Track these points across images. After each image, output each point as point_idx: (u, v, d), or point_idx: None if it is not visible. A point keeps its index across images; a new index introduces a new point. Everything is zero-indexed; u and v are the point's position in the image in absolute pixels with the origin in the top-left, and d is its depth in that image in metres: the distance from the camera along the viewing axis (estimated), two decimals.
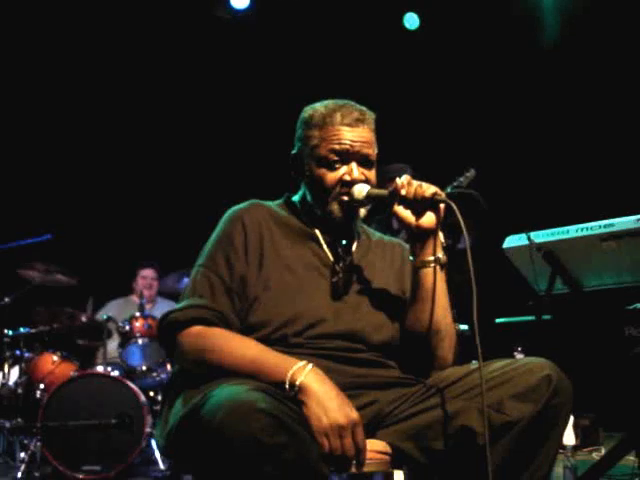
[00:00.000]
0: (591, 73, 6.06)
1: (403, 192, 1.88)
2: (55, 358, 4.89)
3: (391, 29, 6.64)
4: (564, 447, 4.27)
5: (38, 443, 4.42)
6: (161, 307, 5.90)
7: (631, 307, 3.12)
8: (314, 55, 6.54)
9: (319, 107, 2.03)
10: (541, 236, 2.80)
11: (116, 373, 4.74)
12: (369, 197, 1.96)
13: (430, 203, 1.88)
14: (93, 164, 6.59)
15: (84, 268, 5.47)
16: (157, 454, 4.60)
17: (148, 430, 4.52)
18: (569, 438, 4.40)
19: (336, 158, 1.96)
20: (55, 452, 4.40)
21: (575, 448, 4.61)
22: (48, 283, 5.17)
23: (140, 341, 5.10)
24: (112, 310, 5.66)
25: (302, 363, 1.66)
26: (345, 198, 1.96)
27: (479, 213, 2.23)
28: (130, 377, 4.91)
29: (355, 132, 1.97)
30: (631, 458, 3.40)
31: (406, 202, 1.89)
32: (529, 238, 2.75)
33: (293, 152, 2.08)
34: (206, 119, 6.78)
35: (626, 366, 2.74)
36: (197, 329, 1.81)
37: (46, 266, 5.07)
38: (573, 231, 2.74)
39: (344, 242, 2.04)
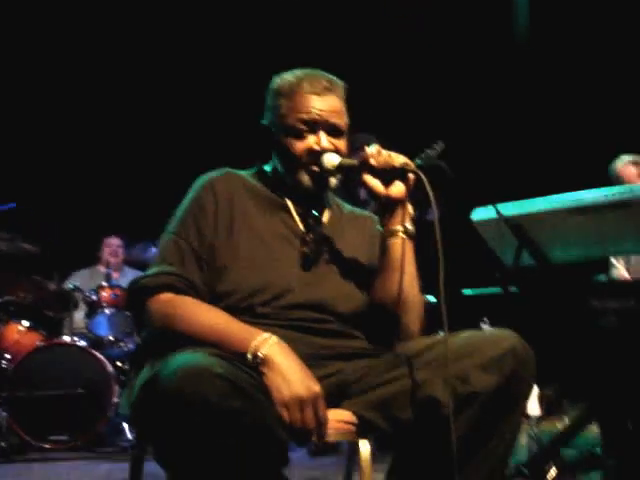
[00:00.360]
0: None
1: (372, 162, 1.87)
2: (21, 328, 4.84)
3: None
4: (528, 417, 4.33)
5: (4, 413, 4.39)
6: (128, 276, 5.84)
7: (596, 279, 3.16)
8: (284, 21, 6.48)
9: (287, 76, 2.00)
10: (509, 208, 2.80)
11: (83, 343, 4.71)
12: (340, 167, 1.94)
13: (399, 173, 1.87)
14: (57, 131, 6.50)
15: (49, 237, 5.41)
16: (124, 424, 4.59)
17: (115, 400, 4.53)
18: (533, 409, 4.46)
19: (304, 127, 1.94)
20: (21, 422, 4.39)
21: (539, 419, 4.68)
22: (13, 252, 5.11)
23: (107, 311, 5.08)
24: (78, 280, 5.62)
25: (266, 335, 1.64)
26: (315, 168, 1.94)
27: (447, 185, 2.23)
28: (97, 347, 4.89)
29: (324, 101, 1.95)
30: (594, 428, 3.47)
31: (375, 172, 1.88)
32: (497, 211, 2.76)
33: (263, 122, 2.04)
34: (174, 86, 6.69)
35: (590, 338, 2.78)
36: (166, 296, 1.79)
37: (10, 235, 5.00)
38: (541, 204, 2.75)
39: (315, 213, 2.03)
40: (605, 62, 5.87)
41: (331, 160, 1.94)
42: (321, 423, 1.59)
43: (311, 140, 1.95)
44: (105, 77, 6.55)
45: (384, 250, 1.95)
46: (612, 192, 2.62)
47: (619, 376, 3.00)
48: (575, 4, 6.01)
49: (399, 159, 1.87)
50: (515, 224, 2.79)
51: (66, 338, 4.80)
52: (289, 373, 1.58)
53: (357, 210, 2.20)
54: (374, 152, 1.89)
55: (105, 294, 5.12)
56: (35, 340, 4.77)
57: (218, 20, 6.52)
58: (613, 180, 3.87)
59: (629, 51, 5.74)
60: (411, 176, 1.89)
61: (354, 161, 1.94)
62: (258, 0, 6.50)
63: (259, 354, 1.60)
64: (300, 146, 1.95)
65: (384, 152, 1.89)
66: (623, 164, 3.87)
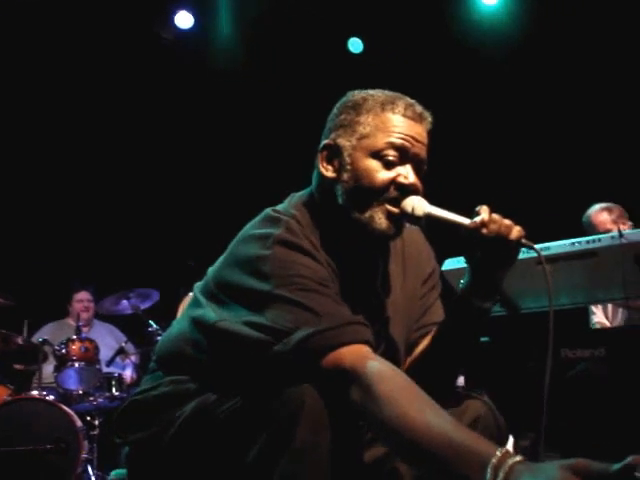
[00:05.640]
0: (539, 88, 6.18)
1: (484, 231, 1.57)
2: None
3: (336, 53, 6.69)
4: None
5: None
6: (98, 330, 5.82)
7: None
8: (258, 77, 6.54)
9: (372, 92, 1.70)
10: None
11: (52, 397, 4.62)
12: (430, 218, 1.63)
13: (510, 246, 1.60)
14: (28, 183, 6.43)
15: (19, 290, 5.34)
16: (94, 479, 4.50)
17: (84, 456, 4.42)
18: None
19: (394, 154, 1.62)
20: None
21: None
22: None
23: (76, 365, 5.00)
24: (47, 333, 5.52)
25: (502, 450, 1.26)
26: (395, 210, 1.63)
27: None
28: (66, 401, 4.79)
29: (417, 129, 1.65)
30: None
31: (482, 240, 1.59)
32: (467, 260, 2.77)
33: (325, 141, 1.71)
34: (148, 138, 6.70)
35: (562, 387, 2.78)
36: (378, 369, 1.41)
37: None
38: None
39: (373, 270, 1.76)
40: (576, 112, 5.98)
41: (421, 206, 1.62)
42: None
43: (397, 171, 1.64)
44: (75, 134, 6.52)
45: (463, 320, 1.73)
46: (579, 241, 2.65)
47: (592, 424, 3.00)
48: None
49: (514, 232, 1.59)
50: None
51: (35, 392, 4.70)
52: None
53: (407, 236, 1.85)
54: (487, 219, 1.58)
55: (75, 347, 5.04)
56: (2, 394, 4.65)
57: (193, 71, 6.58)
58: (586, 227, 3.91)
59: (608, 105, 5.85)
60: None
61: (456, 218, 1.63)
62: (236, 53, 6.56)
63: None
64: (385, 175, 1.62)
65: (495, 216, 1.58)
66: (596, 211, 3.91)
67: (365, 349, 1.45)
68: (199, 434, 1.54)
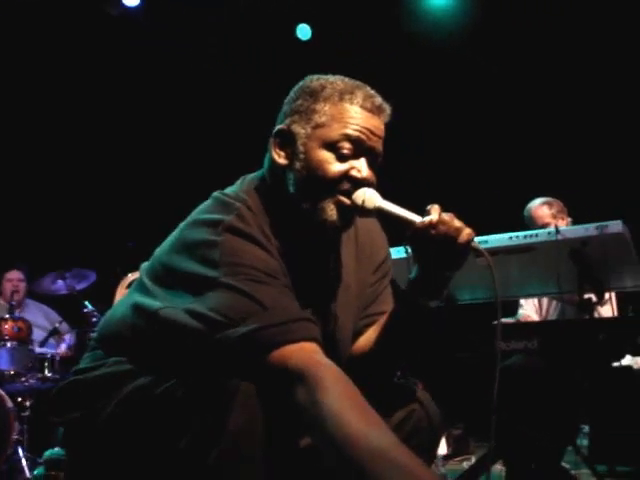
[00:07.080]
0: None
1: (433, 232, 1.55)
2: None
3: (284, 40, 6.67)
4: (435, 456, 4.37)
5: None
6: (31, 310, 5.70)
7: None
8: (206, 60, 6.48)
9: (332, 79, 1.65)
10: None
11: None
12: (381, 212, 1.62)
13: (459, 248, 1.57)
14: None
15: None
16: (24, 462, 4.41)
17: (15, 437, 4.34)
18: (441, 448, 4.51)
19: (348, 146, 1.59)
20: None
21: (446, 457, 4.73)
22: None
23: (9, 344, 4.88)
24: None
25: None
26: (346, 201, 1.61)
27: None
28: None
29: (374, 121, 1.62)
30: (498, 467, 3.52)
31: (429, 240, 1.56)
32: (407, 251, 2.79)
33: (279, 126, 1.66)
34: (89, 116, 6.58)
35: (495, 378, 2.82)
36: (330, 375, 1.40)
37: None
38: None
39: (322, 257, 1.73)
40: (525, 105, 6.08)
41: (372, 199, 1.60)
42: None
43: (351, 164, 1.61)
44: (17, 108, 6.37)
45: (407, 316, 1.70)
46: (517, 236, 2.69)
47: (523, 416, 3.06)
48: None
49: (464, 234, 1.56)
50: None
51: None
52: None
53: (361, 223, 1.82)
54: (436, 219, 1.55)
55: (7, 327, 4.91)
56: None
57: (138, 49, 6.47)
58: (527, 220, 3.96)
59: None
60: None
61: (406, 215, 1.60)
62: (183, 33, 6.47)
63: None
64: (337, 167, 1.59)
65: (445, 217, 1.56)
66: (536, 205, 3.95)
67: (312, 348, 1.44)
68: (134, 415, 1.54)
